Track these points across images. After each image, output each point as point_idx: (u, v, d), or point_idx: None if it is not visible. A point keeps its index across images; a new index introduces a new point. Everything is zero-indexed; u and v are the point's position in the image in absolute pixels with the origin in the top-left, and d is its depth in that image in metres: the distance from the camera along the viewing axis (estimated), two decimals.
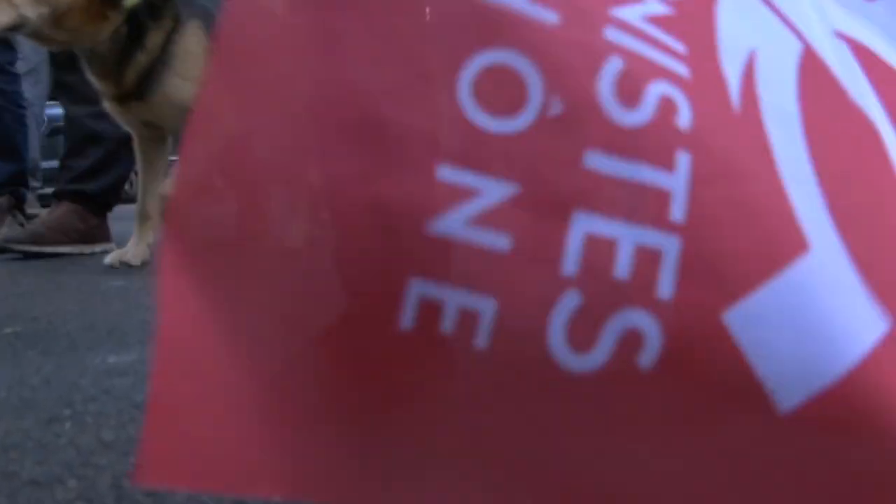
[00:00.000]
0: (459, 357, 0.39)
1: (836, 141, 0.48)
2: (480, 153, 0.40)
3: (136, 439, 0.95)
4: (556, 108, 0.41)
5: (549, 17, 0.42)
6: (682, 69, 0.45)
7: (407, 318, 0.38)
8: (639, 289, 0.40)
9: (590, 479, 0.41)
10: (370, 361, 0.39)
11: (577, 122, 0.41)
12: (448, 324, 0.38)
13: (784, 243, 0.43)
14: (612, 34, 0.43)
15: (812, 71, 0.50)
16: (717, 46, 0.47)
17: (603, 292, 0.39)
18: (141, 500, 0.79)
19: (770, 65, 0.48)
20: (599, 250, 0.40)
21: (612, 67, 0.42)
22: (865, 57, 0.54)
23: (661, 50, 0.45)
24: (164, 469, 0.39)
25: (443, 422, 0.41)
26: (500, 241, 0.39)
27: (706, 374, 0.41)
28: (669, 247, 0.41)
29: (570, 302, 0.39)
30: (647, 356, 0.40)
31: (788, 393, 0.41)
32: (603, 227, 0.40)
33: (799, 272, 0.42)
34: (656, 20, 0.46)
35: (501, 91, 0.41)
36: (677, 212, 0.41)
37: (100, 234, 2.87)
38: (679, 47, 0.45)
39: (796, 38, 0.51)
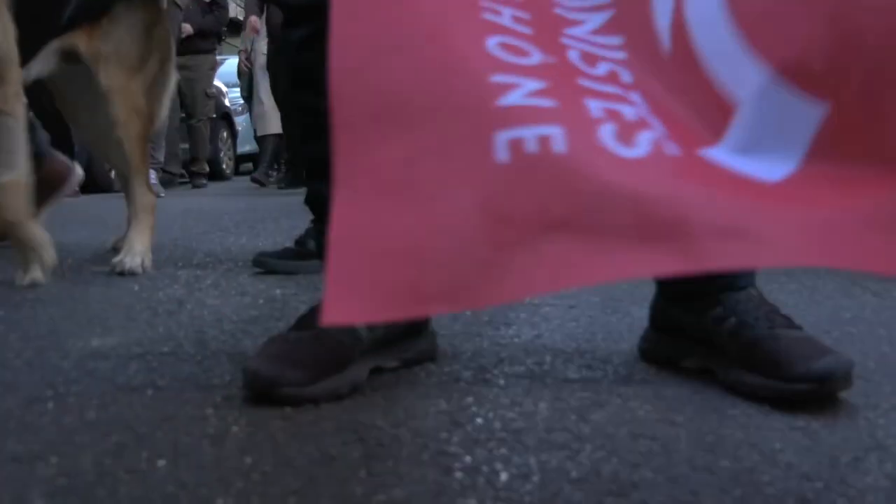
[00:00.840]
0: (547, 163, 0.59)
1: None
2: (512, 69, 0.64)
3: (119, 419, 0.96)
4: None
5: None
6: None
7: (501, 154, 0.58)
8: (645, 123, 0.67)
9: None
10: (494, 196, 0.58)
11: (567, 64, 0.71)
12: (531, 146, 0.59)
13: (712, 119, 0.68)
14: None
15: None
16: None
17: (625, 121, 0.64)
18: (122, 476, 0.79)
19: None
20: (612, 111, 0.65)
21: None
22: None
23: None
24: (349, 306, 0.54)
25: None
26: (546, 103, 0.62)
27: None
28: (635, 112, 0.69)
29: (607, 128, 0.63)
30: (670, 150, 0.65)
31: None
32: (605, 104, 0.66)
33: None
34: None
35: (511, 49, 0.67)
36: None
37: None
38: None
39: None
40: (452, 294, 0.55)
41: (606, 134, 0.62)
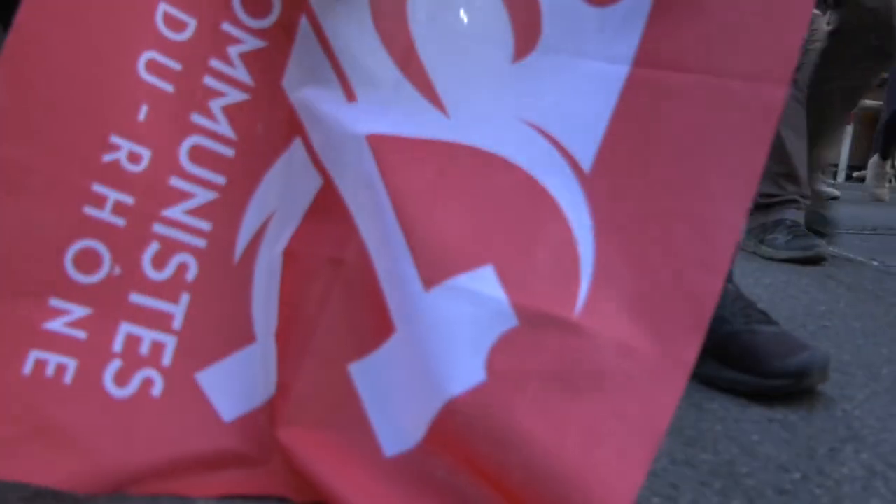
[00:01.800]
0: (52, 389, 0.67)
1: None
2: (71, 292, 0.68)
3: None
4: None
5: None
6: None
7: (27, 367, 0.65)
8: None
9: None
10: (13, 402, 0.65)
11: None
12: (50, 371, 0.67)
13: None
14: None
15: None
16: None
17: (134, 357, 0.70)
18: None
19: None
20: (133, 340, 0.72)
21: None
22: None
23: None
24: None
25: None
26: (78, 334, 0.68)
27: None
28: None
29: (114, 365, 0.70)
30: (156, 389, 0.71)
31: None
32: (135, 329, 0.71)
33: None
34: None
35: (85, 261, 0.69)
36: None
37: None
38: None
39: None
40: None
41: (110, 372, 0.68)
